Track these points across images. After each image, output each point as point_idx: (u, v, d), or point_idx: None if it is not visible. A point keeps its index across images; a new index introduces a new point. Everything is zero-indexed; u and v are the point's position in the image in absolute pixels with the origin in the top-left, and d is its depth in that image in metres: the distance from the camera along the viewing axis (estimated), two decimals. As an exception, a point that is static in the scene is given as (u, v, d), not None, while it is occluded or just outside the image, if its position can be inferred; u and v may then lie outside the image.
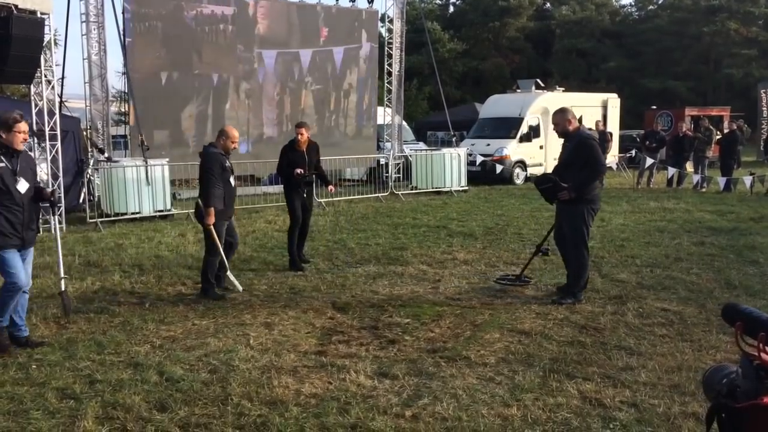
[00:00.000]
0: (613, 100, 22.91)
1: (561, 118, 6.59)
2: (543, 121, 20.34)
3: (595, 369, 4.81)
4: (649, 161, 17.84)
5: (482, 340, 5.48)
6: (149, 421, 4.01)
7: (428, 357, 5.11)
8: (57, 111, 11.83)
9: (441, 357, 5.09)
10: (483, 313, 6.32)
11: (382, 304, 6.63)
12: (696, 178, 17.35)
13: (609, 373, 4.73)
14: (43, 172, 11.68)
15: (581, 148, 6.43)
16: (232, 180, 7.18)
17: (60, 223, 11.71)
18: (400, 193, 16.69)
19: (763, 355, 1.55)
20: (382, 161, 18.41)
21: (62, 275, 6.38)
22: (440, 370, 4.83)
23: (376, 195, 16.29)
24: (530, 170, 19.91)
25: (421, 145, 22.62)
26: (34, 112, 11.45)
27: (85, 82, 13.92)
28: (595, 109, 21.59)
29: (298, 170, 8.29)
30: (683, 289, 7.10)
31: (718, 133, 20.66)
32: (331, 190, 9.38)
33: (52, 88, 11.76)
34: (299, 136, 8.44)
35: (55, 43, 13.47)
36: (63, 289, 6.34)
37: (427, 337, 5.64)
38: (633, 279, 7.52)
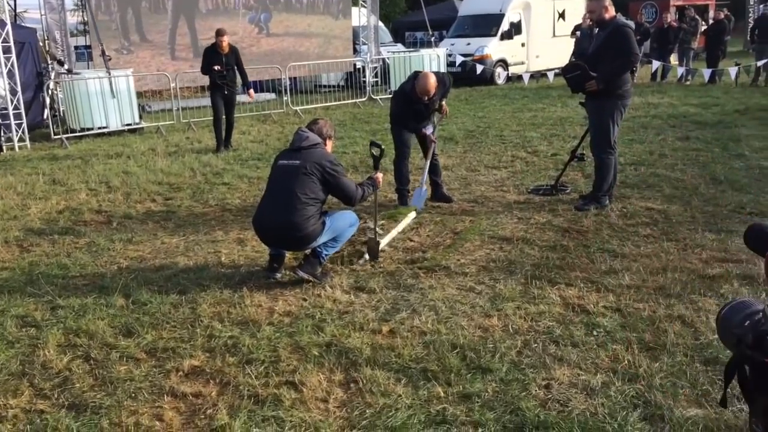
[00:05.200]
0: (597, -8, 21.99)
1: (597, 5, 5.97)
2: (525, 17, 19.57)
3: (578, 273, 4.65)
4: (633, 55, 17.31)
5: (462, 249, 5.30)
6: (114, 348, 3.82)
7: (407, 268, 4.92)
8: (8, 21, 11.07)
9: (420, 268, 4.91)
10: (463, 220, 6.11)
11: (359, 214, 6.39)
12: (681, 70, 16.93)
13: (592, 277, 4.58)
14: (0, 86, 11.08)
15: (615, 36, 5.88)
16: None
17: (23, 140, 11.25)
18: (378, 98, 16.18)
19: None
20: (359, 65, 17.75)
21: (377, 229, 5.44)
22: (419, 281, 4.65)
23: (354, 101, 15.80)
24: (512, 69, 19.35)
25: (399, 47, 21.81)
26: (-18, 23, 10.71)
27: (36, -11, 13.02)
28: (578, 2, 20.76)
29: (216, 66, 9.85)
30: (668, 186, 6.92)
31: (704, 23, 20.06)
32: (251, 95, 10.92)
33: (0, -5, 10.97)
34: (222, 43, 9.87)
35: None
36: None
37: (406, 247, 5.45)
38: (617, 177, 7.30)
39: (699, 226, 5.59)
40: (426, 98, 6.29)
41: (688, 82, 16.62)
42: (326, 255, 4.78)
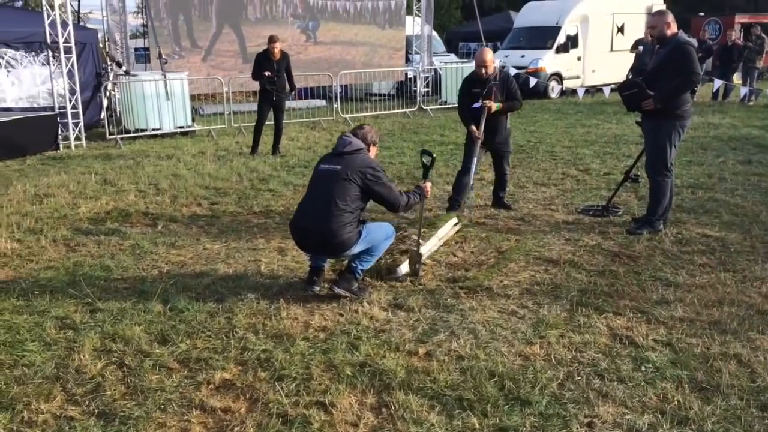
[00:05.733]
0: (658, 6, 21.45)
1: (659, 20, 5.77)
2: (582, 31, 19.21)
3: (628, 302, 4.44)
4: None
5: (506, 269, 5.14)
6: (148, 355, 3.80)
7: (447, 287, 4.79)
8: (70, 21, 11.38)
9: (461, 287, 4.77)
10: (509, 238, 5.94)
11: (402, 227, 6.29)
12: (744, 90, 16.32)
13: (642, 307, 4.36)
14: (60, 86, 11.40)
15: (675, 54, 5.65)
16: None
17: (79, 139, 11.53)
18: (428, 108, 16.08)
19: None
20: (411, 75, 17.68)
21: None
22: (459, 302, 4.51)
23: (404, 110, 15.72)
24: (566, 83, 18.99)
25: (452, 57, 21.67)
26: (47, 23, 11.04)
27: (99, -8, 13.37)
28: (638, 16, 20.29)
29: (267, 72, 10.02)
30: (726, 212, 6.60)
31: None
32: (293, 94, 11.26)
33: (64, -3, 11.28)
34: (274, 50, 10.03)
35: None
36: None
37: (449, 263, 5.32)
38: (672, 201, 7.01)
39: (759, 256, 5.29)
40: (483, 71, 6.50)
41: (751, 103, 16.01)
42: (361, 270, 4.68)
